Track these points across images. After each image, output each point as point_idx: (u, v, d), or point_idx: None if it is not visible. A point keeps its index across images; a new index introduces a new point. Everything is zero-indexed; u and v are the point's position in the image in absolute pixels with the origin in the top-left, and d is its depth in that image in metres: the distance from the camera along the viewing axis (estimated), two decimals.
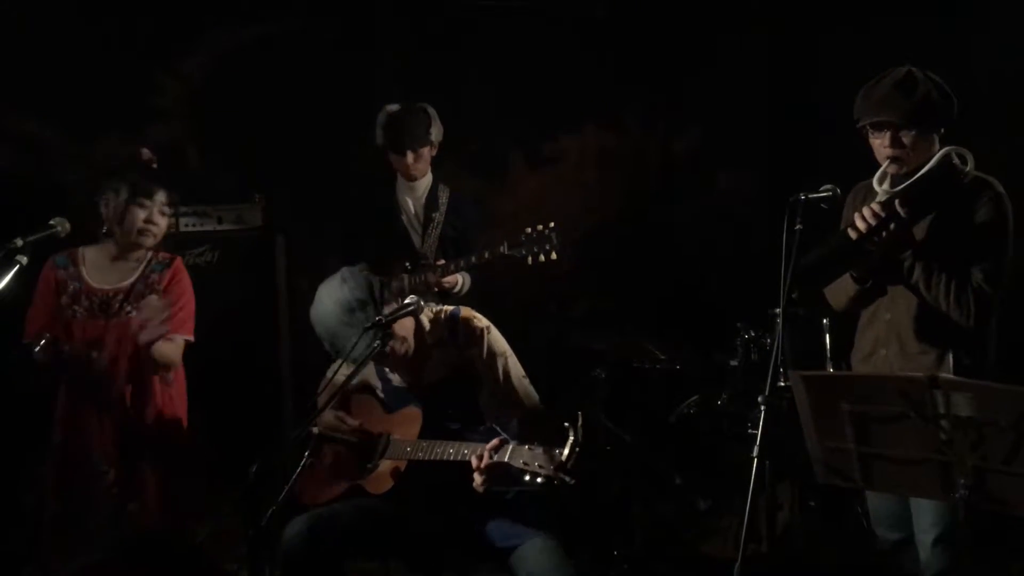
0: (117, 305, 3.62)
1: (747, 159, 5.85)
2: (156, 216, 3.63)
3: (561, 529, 3.16)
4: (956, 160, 2.98)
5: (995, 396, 2.37)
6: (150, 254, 3.71)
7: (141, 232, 3.61)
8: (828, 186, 3.01)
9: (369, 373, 3.38)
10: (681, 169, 6.01)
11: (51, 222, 3.49)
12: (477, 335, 3.31)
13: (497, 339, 3.34)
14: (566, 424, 2.84)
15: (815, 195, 2.98)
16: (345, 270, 3.23)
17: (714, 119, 5.82)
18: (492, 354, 3.30)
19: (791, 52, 5.73)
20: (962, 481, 2.42)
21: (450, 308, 3.41)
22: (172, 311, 3.61)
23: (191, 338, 3.70)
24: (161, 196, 3.64)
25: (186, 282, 3.73)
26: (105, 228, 3.65)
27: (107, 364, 3.58)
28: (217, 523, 3.50)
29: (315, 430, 3.16)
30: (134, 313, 3.59)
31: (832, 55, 5.45)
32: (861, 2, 5.30)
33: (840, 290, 3.17)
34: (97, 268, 3.66)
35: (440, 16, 5.64)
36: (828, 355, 4.30)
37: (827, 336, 4.32)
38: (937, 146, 3.03)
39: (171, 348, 3.63)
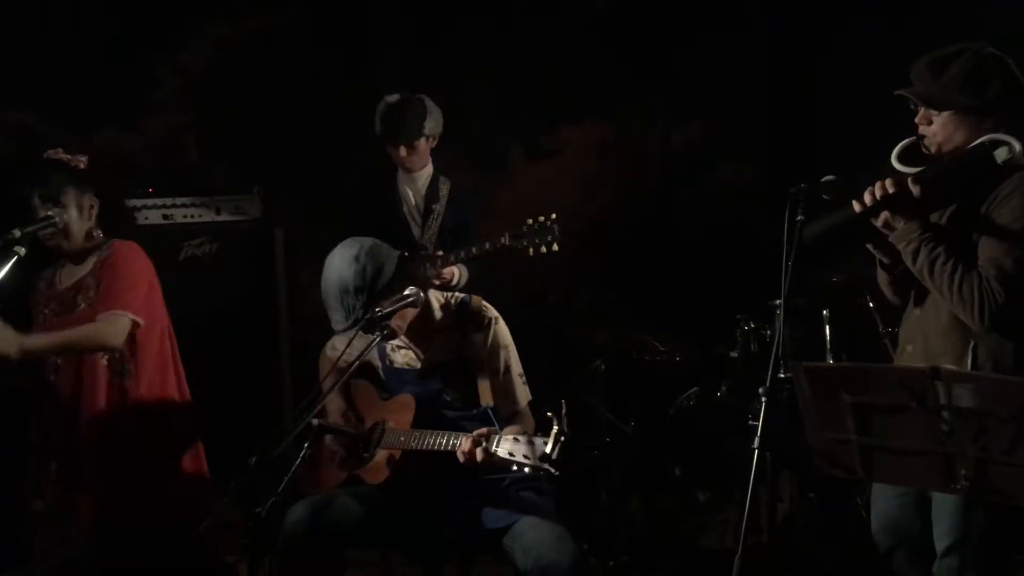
0: (70, 300, 3.55)
1: (747, 150, 5.85)
2: (46, 215, 3.48)
3: (559, 519, 3.15)
4: (991, 149, 2.78)
5: (996, 387, 2.37)
6: (104, 244, 3.60)
7: (47, 240, 3.51)
8: (829, 176, 2.96)
9: (367, 355, 3.38)
10: (681, 161, 6.00)
11: (49, 213, 3.48)
12: (485, 324, 3.33)
13: (503, 331, 3.36)
14: (549, 414, 2.84)
15: (816, 186, 2.94)
16: (362, 247, 3.21)
17: (714, 110, 5.81)
18: (496, 345, 3.32)
19: (792, 43, 5.72)
20: (963, 472, 2.41)
21: (461, 295, 3.44)
22: (100, 289, 3.48)
23: (128, 314, 3.44)
24: (36, 197, 3.49)
25: (125, 262, 3.52)
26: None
27: (62, 361, 3.51)
28: (217, 514, 3.50)
29: (314, 422, 3.16)
30: (83, 306, 3.51)
31: (833, 46, 5.44)
32: None
33: (881, 279, 3.10)
34: (68, 271, 3.62)
35: (439, 7, 5.63)
36: (828, 347, 4.30)
37: (827, 328, 4.31)
38: (982, 132, 2.82)
39: (104, 328, 3.42)
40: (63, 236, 3.52)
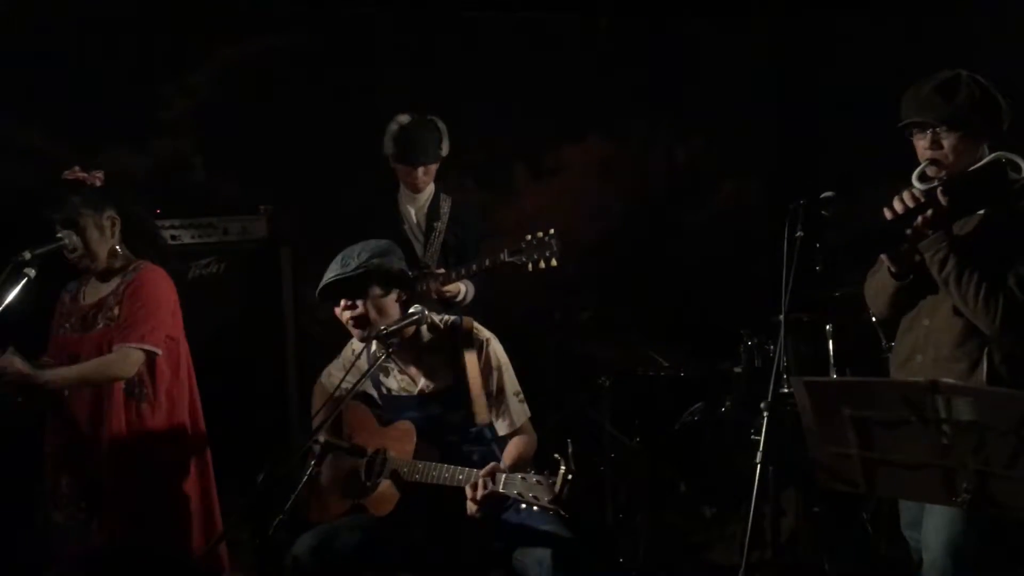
0: (91, 318, 3.55)
1: (749, 167, 5.88)
2: (73, 241, 3.51)
3: (566, 534, 3.17)
4: (1006, 164, 2.89)
5: (996, 400, 2.38)
6: (131, 265, 3.61)
7: (75, 262, 3.55)
8: (828, 193, 3.00)
9: (365, 382, 3.40)
10: (683, 178, 6.03)
11: (59, 235, 3.50)
12: (477, 346, 3.32)
13: (496, 352, 3.36)
14: (556, 456, 2.84)
15: (815, 202, 2.97)
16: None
17: (716, 128, 5.84)
18: (490, 366, 3.32)
19: (793, 61, 5.76)
20: (964, 485, 2.43)
21: (452, 317, 3.43)
22: (121, 315, 3.48)
23: (144, 345, 3.45)
24: (57, 224, 3.51)
25: (148, 289, 3.52)
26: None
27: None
28: (224, 533, 3.51)
29: (320, 439, 3.18)
30: (102, 325, 3.50)
31: (834, 63, 5.47)
32: (864, 10, 5.33)
33: (881, 291, 3.12)
34: (93, 288, 3.62)
35: (442, 27, 5.67)
36: (831, 361, 4.31)
37: (830, 342, 4.33)
38: (985, 152, 2.96)
39: (116, 361, 3.43)
40: (87, 257, 3.54)
